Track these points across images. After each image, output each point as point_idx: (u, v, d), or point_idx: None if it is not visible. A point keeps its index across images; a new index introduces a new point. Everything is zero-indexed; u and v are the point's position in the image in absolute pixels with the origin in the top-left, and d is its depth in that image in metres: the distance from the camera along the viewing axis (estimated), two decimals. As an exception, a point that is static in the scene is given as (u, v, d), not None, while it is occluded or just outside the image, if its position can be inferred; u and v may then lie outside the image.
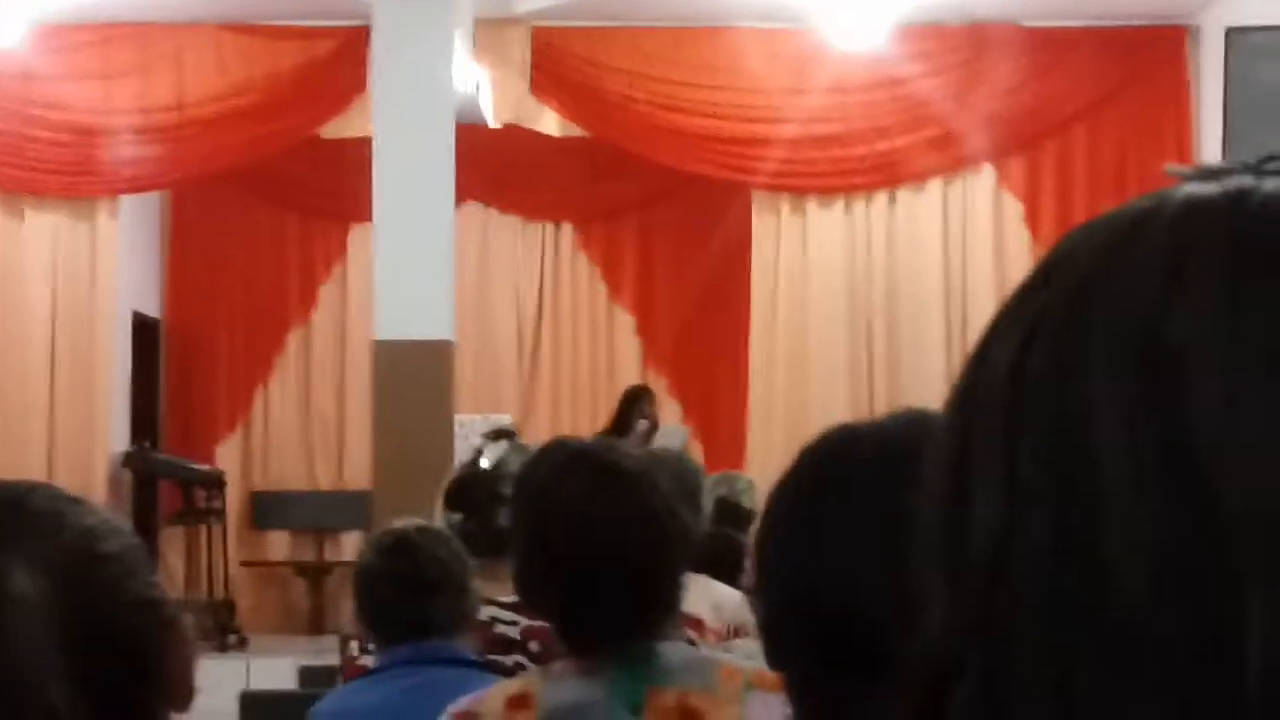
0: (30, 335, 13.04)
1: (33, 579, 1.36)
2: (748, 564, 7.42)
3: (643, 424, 11.80)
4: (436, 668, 3.61)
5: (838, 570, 1.40)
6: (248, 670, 11.29)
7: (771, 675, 2.33)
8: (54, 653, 1.34)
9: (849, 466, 1.44)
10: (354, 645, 4.43)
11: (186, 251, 14.78)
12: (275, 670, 10.38)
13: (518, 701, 2.56)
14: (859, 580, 1.38)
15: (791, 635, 1.44)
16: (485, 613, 4.08)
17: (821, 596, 1.40)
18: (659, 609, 2.61)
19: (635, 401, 12.10)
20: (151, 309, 14.56)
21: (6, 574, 1.36)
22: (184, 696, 1.48)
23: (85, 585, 1.39)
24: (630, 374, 14.14)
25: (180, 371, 14.74)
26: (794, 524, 1.45)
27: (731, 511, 6.88)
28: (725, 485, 7.32)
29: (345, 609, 13.31)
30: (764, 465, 11.30)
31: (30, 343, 13.04)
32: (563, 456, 2.70)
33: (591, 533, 2.57)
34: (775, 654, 1.48)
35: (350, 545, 13.89)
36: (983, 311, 12.89)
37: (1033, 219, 13.06)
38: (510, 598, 4.16)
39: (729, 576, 6.06)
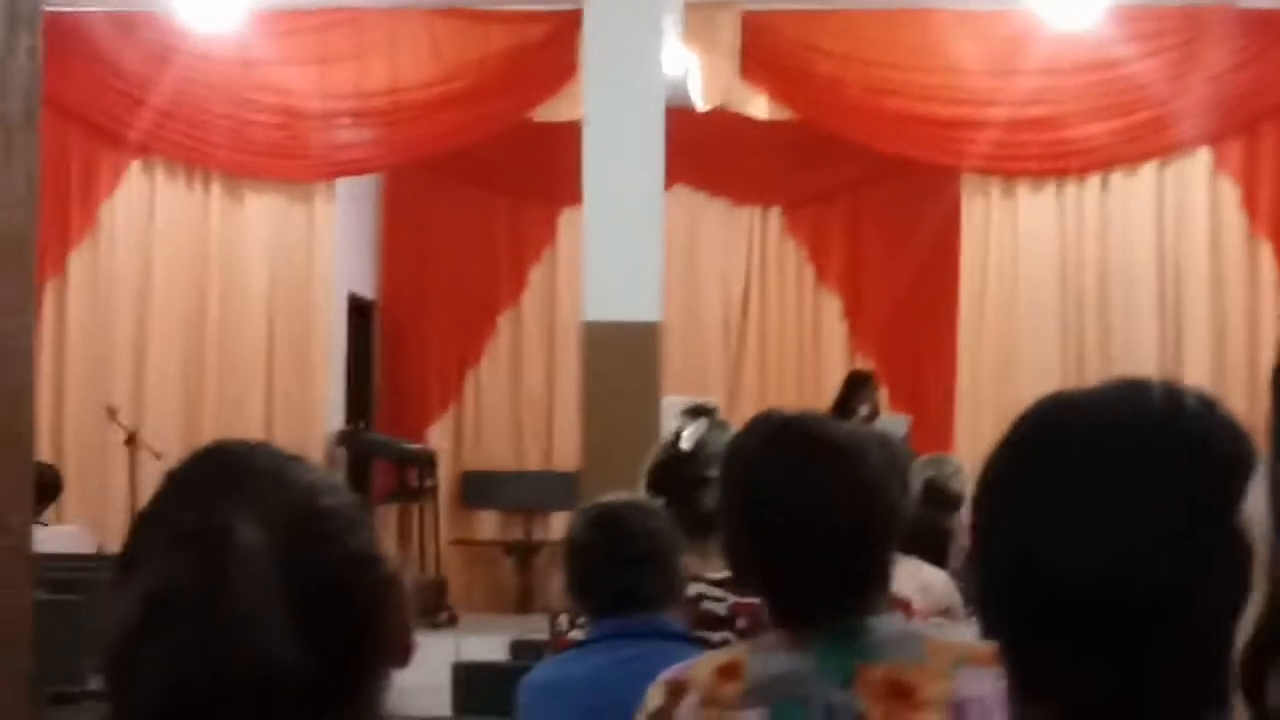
0: (249, 316, 13.32)
1: (256, 531, 1.40)
2: (955, 546, 7.37)
3: (864, 410, 11.80)
4: (646, 640, 3.60)
5: (1054, 539, 1.37)
6: (457, 646, 11.41)
7: (982, 649, 2.25)
8: (278, 602, 1.38)
9: (1064, 435, 1.42)
10: (563, 619, 4.43)
11: (400, 234, 15.00)
12: (485, 646, 10.46)
13: (727, 671, 2.57)
14: (1075, 550, 1.36)
15: (1006, 604, 1.42)
16: (693, 589, 4.07)
17: (1036, 566, 1.38)
18: (868, 582, 2.60)
19: (858, 387, 12.11)
20: (367, 291, 14.80)
21: (231, 526, 1.40)
22: (403, 651, 1.49)
23: (307, 537, 1.43)
24: (837, 358, 14.11)
25: (394, 353, 14.96)
26: (1009, 492, 1.43)
27: (940, 494, 6.83)
28: (934, 468, 7.26)
29: (553, 587, 13.39)
30: (972, 449, 11.20)
31: (249, 323, 13.31)
32: (771, 428, 2.71)
33: (800, 503, 2.56)
34: (989, 624, 1.45)
35: (559, 525, 13.99)
36: (1197, 297, 12.67)
37: (1250, 202, 12.79)
38: (718, 574, 4.16)
39: (937, 559, 6.03)
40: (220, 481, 1.44)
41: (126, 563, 1.43)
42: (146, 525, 1.45)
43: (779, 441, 2.65)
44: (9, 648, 2.97)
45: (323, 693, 1.40)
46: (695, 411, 4.37)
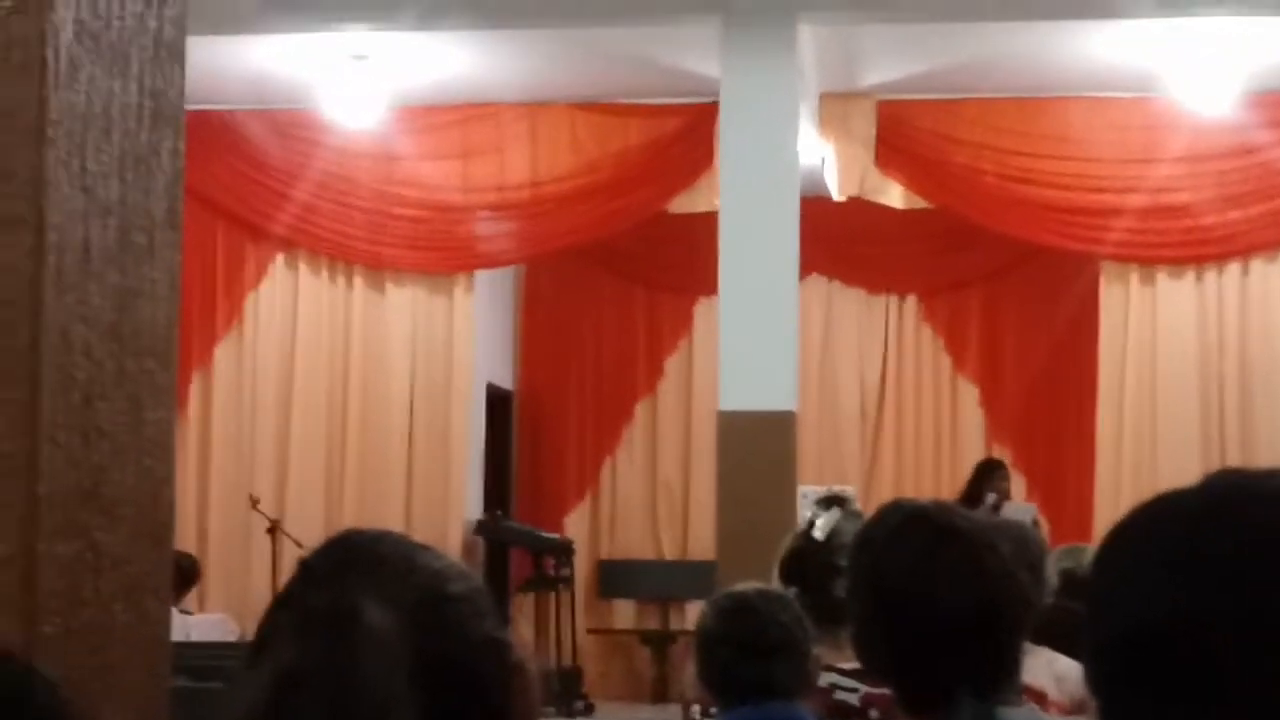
0: (390, 406, 13.43)
1: (385, 614, 1.42)
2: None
3: (991, 497, 11.72)
4: (778, 730, 3.62)
5: (1141, 596, 1.41)
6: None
7: None
8: (404, 684, 1.39)
9: (1163, 521, 1.46)
10: (695, 709, 4.42)
11: (538, 325, 15.13)
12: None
13: None
14: (1166, 605, 1.39)
15: (1100, 663, 1.44)
16: (825, 679, 4.06)
17: (1131, 620, 1.41)
18: (998, 671, 2.61)
19: (987, 475, 12.04)
20: (505, 381, 14.91)
21: (361, 608, 1.42)
22: None
23: (434, 622, 1.44)
24: (974, 446, 14.02)
25: (532, 442, 15.06)
26: (1110, 557, 1.46)
27: (1077, 584, 6.76)
28: (1071, 558, 7.18)
29: (688, 677, 13.39)
30: (1112, 538, 11.06)
31: (390, 414, 13.42)
32: (901, 516, 2.73)
33: (928, 590, 2.59)
34: (1092, 686, 1.46)
35: (695, 614, 13.96)
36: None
37: (1389, 287, 12.62)
38: (850, 664, 4.15)
39: (1072, 650, 5.97)
40: (350, 566, 1.46)
41: (258, 646, 1.46)
42: (278, 609, 1.48)
43: (906, 530, 2.67)
44: None
45: None
46: (829, 501, 4.36)
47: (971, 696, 2.56)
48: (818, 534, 4.22)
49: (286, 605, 1.47)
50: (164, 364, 2.99)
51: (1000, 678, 2.61)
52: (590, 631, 14.53)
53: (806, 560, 4.19)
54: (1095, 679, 1.46)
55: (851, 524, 4.17)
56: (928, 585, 2.59)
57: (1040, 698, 5.18)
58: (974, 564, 2.60)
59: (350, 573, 1.45)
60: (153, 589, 2.96)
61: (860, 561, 2.75)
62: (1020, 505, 12.33)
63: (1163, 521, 1.46)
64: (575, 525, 14.74)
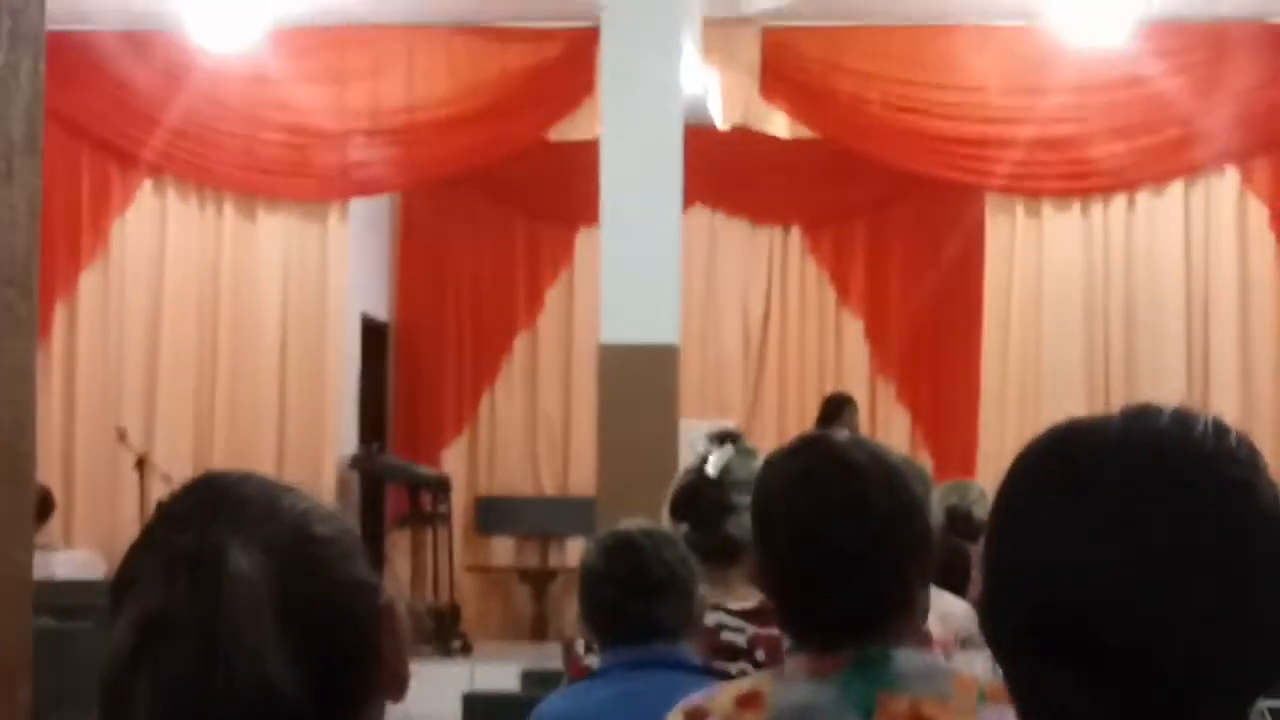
0: (262, 337, 13.23)
1: (250, 557, 1.38)
2: (976, 575, 7.24)
3: (843, 435, 11.58)
4: (661, 671, 3.51)
5: (1061, 565, 1.38)
6: (472, 674, 11.29)
7: (1004, 686, 2.25)
8: (272, 629, 1.36)
9: (1070, 459, 1.43)
10: (580, 645, 4.35)
11: (415, 254, 14.90)
12: (499, 675, 10.35)
13: (748, 700, 2.50)
14: (1085, 576, 1.36)
15: (1010, 628, 1.42)
16: (712, 619, 3.99)
17: (1044, 591, 1.38)
18: (895, 611, 2.53)
19: (837, 411, 11.83)
20: (381, 312, 14.71)
21: (224, 552, 1.38)
22: (398, 682, 1.48)
23: (300, 565, 1.41)
24: (859, 380, 13.96)
25: (408, 375, 14.87)
26: (1017, 517, 1.43)
27: (963, 521, 6.74)
28: (956, 494, 7.16)
29: (569, 615, 13.30)
30: (996, 475, 10.99)
31: (262, 344, 13.22)
32: (804, 449, 2.66)
33: (828, 525, 2.51)
34: (996, 649, 1.45)
35: (575, 551, 13.88)
36: (1225, 317, 12.51)
37: (1279, 222, 12.63)
38: (739, 604, 4.05)
39: (957, 587, 5.93)
40: (213, 509, 1.44)
41: (119, 589, 1.43)
42: (140, 551, 1.44)
43: (808, 463, 2.60)
44: (7, 678, 2.91)
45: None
46: (721, 437, 4.28)
47: (865, 636, 2.48)
48: (710, 470, 4.12)
49: (149, 548, 1.44)
50: (24, 293, 2.89)
51: (896, 619, 2.53)
52: (468, 569, 14.39)
53: (698, 497, 4.12)
54: (1002, 643, 1.44)
55: (743, 461, 4.12)
56: (825, 520, 2.52)
57: (924, 635, 5.08)
58: (874, 499, 2.53)
59: (214, 515, 1.43)
60: (14, 527, 2.85)
61: (761, 497, 2.65)
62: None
63: (1085, 477, 1.40)
64: (453, 460, 14.56)
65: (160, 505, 1.49)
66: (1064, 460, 1.43)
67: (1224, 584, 1.35)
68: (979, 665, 3.66)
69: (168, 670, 1.35)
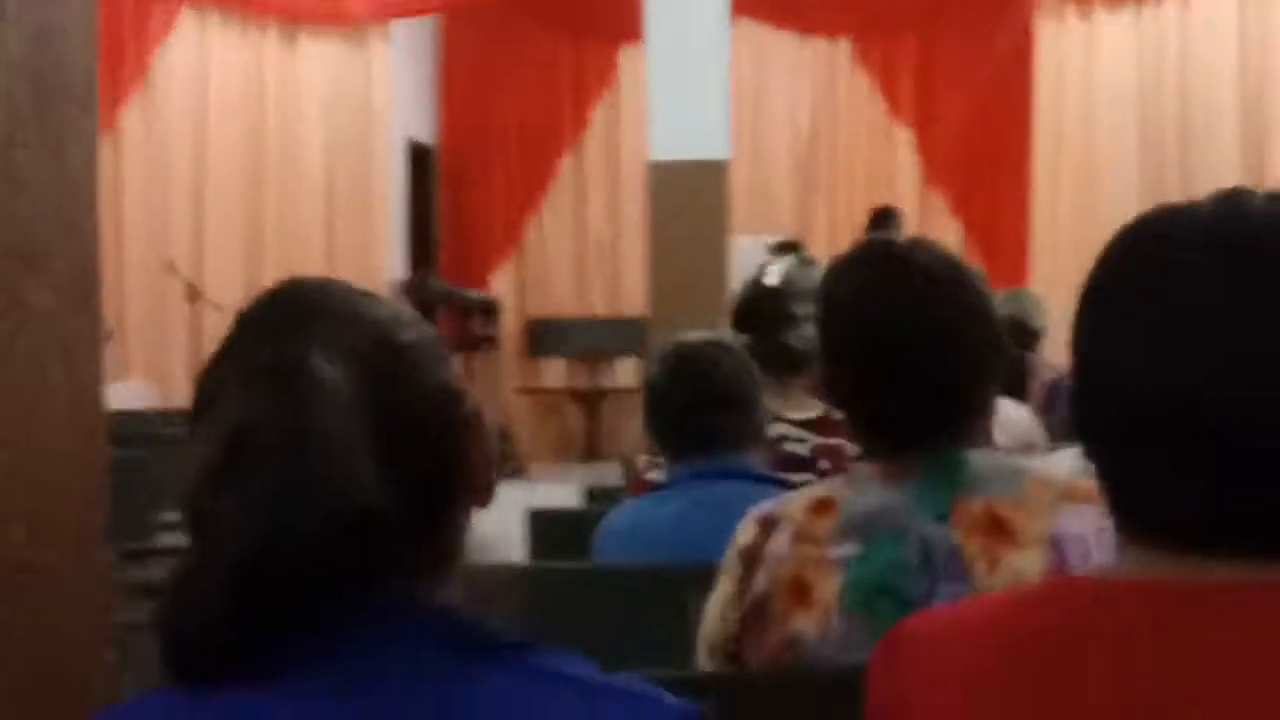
0: (307, 165, 13.18)
1: (334, 366, 1.37)
2: (1035, 384, 7.25)
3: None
4: (728, 482, 3.49)
5: (1150, 349, 1.36)
6: (530, 496, 11.35)
7: (1084, 486, 2.33)
8: (358, 435, 1.35)
9: (1163, 245, 1.41)
10: (642, 461, 4.34)
11: (459, 78, 14.76)
12: (557, 494, 10.39)
13: (820, 506, 2.47)
14: (1169, 359, 1.35)
15: (1104, 421, 1.40)
16: (775, 430, 3.98)
17: (1133, 376, 1.37)
18: (969, 413, 2.48)
19: (883, 225, 11.72)
20: (426, 136, 14.62)
21: (308, 361, 1.37)
22: (485, 490, 1.48)
23: (386, 372, 1.40)
24: (909, 192, 13.83)
25: (455, 199, 14.79)
26: (1115, 305, 1.41)
27: (1020, 330, 6.74)
28: (1014, 303, 7.14)
29: (622, 434, 13.34)
30: (1049, 283, 10.98)
31: (307, 172, 13.18)
32: (869, 254, 2.58)
33: (902, 326, 2.45)
34: (1087, 443, 1.43)
35: (626, 371, 13.89)
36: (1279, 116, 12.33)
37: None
38: (801, 415, 4.03)
39: (1017, 395, 5.96)
40: (295, 318, 1.43)
41: (202, 404, 1.41)
42: (220, 365, 1.43)
43: (877, 269, 2.52)
44: (86, 500, 2.92)
45: (407, 530, 1.37)
46: (783, 247, 4.25)
47: (939, 439, 2.44)
48: (771, 280, 4.08)
49: (229, 360, 1.43)
50: (84, 108, 2.84)
51: (969, 421, 2.48)
52: (519, 391, 14.41)
53: (760, 308, 4.09)
54: (1097, 435, 1.41)
55: (804, 271, 4.08)
56: (895, 324, 2.45)
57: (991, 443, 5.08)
58: (947, 303, 2.47)
59: (295, 323, 1.42)
60: (84, 347, 2.84)
61: (827, 300, 2.58)
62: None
63: (1178, 273, 1.37)
64: (501, 283, 14.54)
65: (239, 316, 1.47)
66: (1159, 243, 1.41)
67: None
68: (1066, 463, 3.62)
69: (256, 484, 1.33)
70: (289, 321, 1.42)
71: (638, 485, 4.18)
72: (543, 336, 14.65)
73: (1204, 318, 1.34)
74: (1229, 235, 1.37)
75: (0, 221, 2.67)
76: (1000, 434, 5.47)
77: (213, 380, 1.42)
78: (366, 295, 1.49)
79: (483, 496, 1.48)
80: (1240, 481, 1.33)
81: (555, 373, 14.73)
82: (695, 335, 3.79)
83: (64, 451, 2.83)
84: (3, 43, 2.68)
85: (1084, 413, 1.42)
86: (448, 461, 1.42)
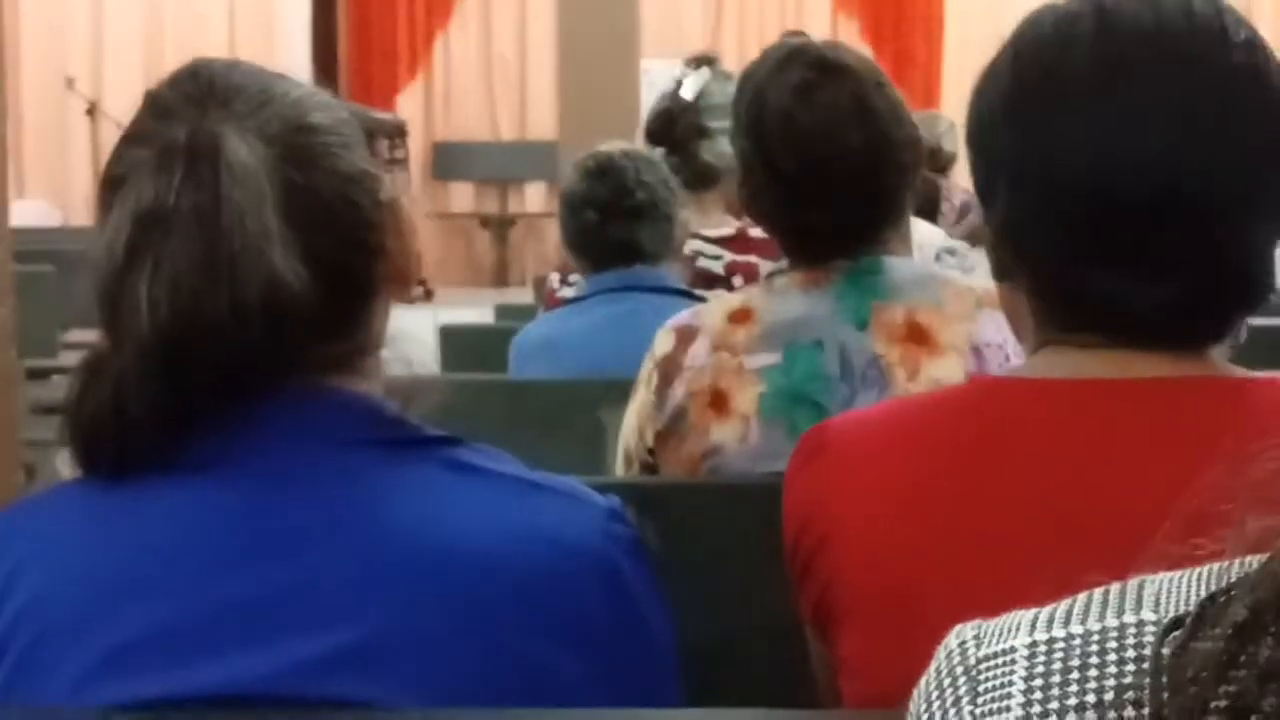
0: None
1: (248, 146, 1.33)
2: (946, 206, 7.25)
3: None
4: (643, 294, 3.49)
5: (1111, 148, 1.32)
6: (437, 318, 11.30)
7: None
8: (274, 220, 1.31)
9: (1075, 46, 1.36)
10: (554, 277, 4.30)
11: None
12: (467, 317, 10.37)
13: (738, 315, 2.44)
14: (1126, 163, 1.31)
15: (1046, 231, 1.36)
16: (690, 246, 3.94)
17: (1083, 182, 1.33)
18: (887, 218, 2.45)
19: None
20: (329, -47, 14.37)
21: (220, 141, 1.33)
22: (405, 280, 1.44)
23: (300, 153, 1.36)
24: (820, 16, 13.76)
25: (359, 16, 14.55)
26: (1044, 111, 1.37)
27: (933, 154, 6.73)
28: (924, 126, 7.10)
29: (531, 261, 13.29)
30: (961, 108, 10.93)
31: (210, -11, 12.98)
32: (791, 59, 2.50)
33: (814, 130, 2.40)
34: (1024, 251, 1.39)
35: (535, 197, 13.81)
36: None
37: None
38: (716, 232, 4.00)
39: (929, 219, 5.97)
40: (205, 97, 1.37)
41: (108, 187, 1.36)
42: (129, 145, 1.37)
43: (788, 67, 2.46)
44: None
45: (322, 317, 1.33)
46: (698, 61, 4.17)
47: (857, 244, 2.41)
48: (686, 94, 4.02)
49: (138, 141, 1.36)
50: None
51: (887, 227, 2.46)
52: (427, 216, 14.28)
53: (674, 121, 4.03)
54: (1039, 248, 1.38)
55: (720, 85, 4.02)
56: (809, 125, 2.40)
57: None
58: (859, 102, 2.42)
59: (206, 103, 1.36)
60: None
61: (740, 103, 2.52)
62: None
63: (1125, 72, 1.34)
64: (407, 105, 14.35)
65: (147, 96, 1.42)
66: (1102, 38, 1.36)
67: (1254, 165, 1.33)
68: (979, 274, 3.61)
69: (169, 266, 1.30)
70: (200, 101, 1.36)
71: (552, 300, 4.15)
72: (450, 160, 14.51)
73: (1142, 115, 1.32)
74: (1171, 33, 1.34)
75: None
76: (917, 254, 5.49)
77: (121, 161, 1.37)
78: (279, 76, 1.43)
79: (403, 287, 1.44)
80: (1204, 274, 1.33)
81: (463, 197, 14.62)
82: (615, 144, 3.75)
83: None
84: None
85: (1020, 227, 1.39)
86: (364, 246, 1.38)
